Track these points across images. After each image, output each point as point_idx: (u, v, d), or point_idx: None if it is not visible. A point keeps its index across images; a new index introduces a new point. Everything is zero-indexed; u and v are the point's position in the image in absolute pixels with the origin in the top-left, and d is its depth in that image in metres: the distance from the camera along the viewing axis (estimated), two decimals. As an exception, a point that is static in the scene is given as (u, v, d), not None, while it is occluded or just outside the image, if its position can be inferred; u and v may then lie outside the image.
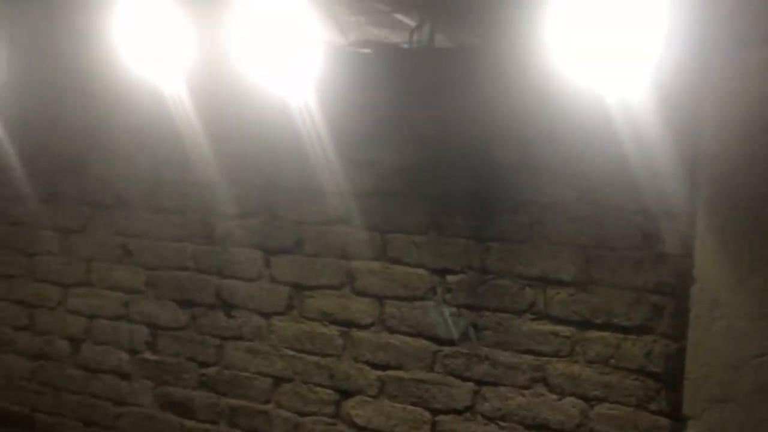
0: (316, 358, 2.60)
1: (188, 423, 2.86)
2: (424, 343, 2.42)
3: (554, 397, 2.25)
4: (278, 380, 2.67)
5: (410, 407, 2.45)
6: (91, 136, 2.94)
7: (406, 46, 2.17)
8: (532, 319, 2.27)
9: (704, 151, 2.01)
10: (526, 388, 2.29)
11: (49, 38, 2.80)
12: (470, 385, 2.36)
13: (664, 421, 2.11)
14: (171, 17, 2.42)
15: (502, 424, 2.32)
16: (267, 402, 2.70)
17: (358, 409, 2.54)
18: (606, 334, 2.18)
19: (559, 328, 2.23)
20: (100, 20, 2.53)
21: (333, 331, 2.57)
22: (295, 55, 2.28)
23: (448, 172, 2.35)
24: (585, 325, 2.20)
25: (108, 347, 3.02)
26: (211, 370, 2.81)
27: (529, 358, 2.27)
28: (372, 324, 2.50)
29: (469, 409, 2.37)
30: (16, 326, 3.22)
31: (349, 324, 2.54)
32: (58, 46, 2.80)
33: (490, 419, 2.34)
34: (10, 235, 3.20)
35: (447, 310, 2.37)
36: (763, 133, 1.94)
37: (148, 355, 2.93)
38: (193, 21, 2.42)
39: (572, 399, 2.23)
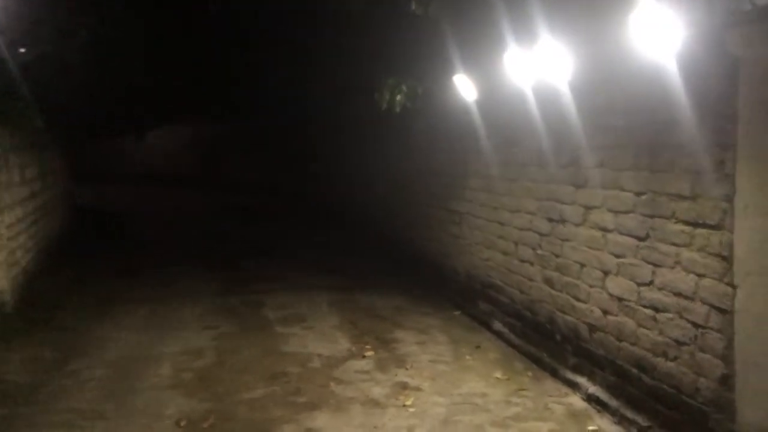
0: (593, 252, 4.25)
1: (552, 291, 4.84)
2: (632, 239, 3.83)
3: (684, 273, 3.40)
4: (581, 265, 4.41)
5: (628, 281, 3.88)
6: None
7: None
8: (674, 223, 3.46)
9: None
10: (672, 267, 3.49)
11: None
12: (650, 266, 3.67)
13: (730, 288, 3.09)
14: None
15: (660, 288, 3.57)
16: (577, 278, 4.46)
17: (609, 282, 4.08)
18: (704, 230, 3.24)
19: (685, 228, 3.38)
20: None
21: (598, 233, 4.17)
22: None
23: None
24: (693, 224, 3.31)
25: (525, 247, 5.24)
26: (559, 260, 4.72)
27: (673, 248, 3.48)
28: (613, 230, 4.02)
29: (651, 282, 3.68)
30: (497, 235, 5.76)
31: (605, 229, 4.11)
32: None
33: (653, 287, 3.60)
34: (484, 182, 5.77)
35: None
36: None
37: (539, 251, 5.03)
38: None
39: (692, 275, 3.35)
